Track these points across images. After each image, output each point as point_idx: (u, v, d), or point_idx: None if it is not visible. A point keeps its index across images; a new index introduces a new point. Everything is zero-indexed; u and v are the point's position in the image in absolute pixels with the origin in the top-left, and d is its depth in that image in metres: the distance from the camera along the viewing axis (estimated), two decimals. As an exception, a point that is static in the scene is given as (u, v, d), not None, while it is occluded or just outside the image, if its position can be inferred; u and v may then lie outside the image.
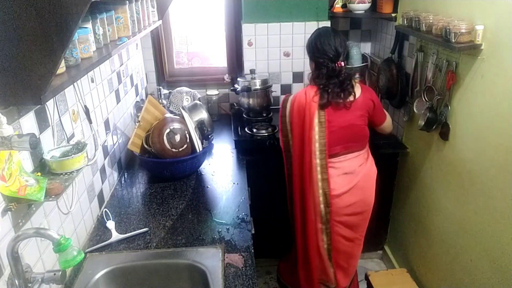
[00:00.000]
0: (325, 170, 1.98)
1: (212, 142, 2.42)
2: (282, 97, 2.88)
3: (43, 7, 0.88)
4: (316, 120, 1.93)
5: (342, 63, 1.94)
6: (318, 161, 1.97)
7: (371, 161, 2.12)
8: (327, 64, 1.93)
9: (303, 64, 2.87)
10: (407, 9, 2.21)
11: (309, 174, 1.99)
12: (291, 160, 2.09)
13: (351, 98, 1.95)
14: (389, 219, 2.77)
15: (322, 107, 1.93)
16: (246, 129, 2.56)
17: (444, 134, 1.99)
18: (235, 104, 2.94)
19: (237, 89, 2.61)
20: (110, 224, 1.68)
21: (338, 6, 2.70)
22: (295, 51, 2.82)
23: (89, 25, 1.38)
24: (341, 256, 2.16)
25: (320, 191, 1.99)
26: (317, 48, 1.97)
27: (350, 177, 2.03)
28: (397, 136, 2.61)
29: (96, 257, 1.52)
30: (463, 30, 1.67)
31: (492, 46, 1.62)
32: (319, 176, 1.98)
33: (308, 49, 2.05)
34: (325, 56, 1.94)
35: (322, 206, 2.01)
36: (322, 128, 1.94)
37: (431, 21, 1.90)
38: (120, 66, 2.21)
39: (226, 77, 2.91)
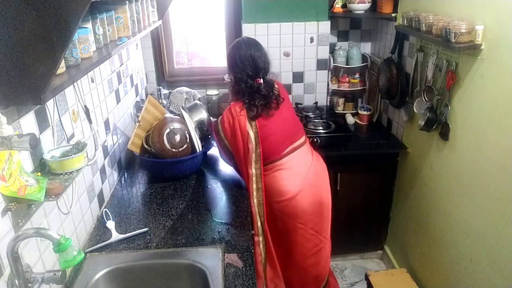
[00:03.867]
0: (260, 180, 1.93)
1: (212, 142, 2.42)
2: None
3: (43, 7, 0.87)
4: (250, 132, 1.90)
5: (261, 80, 1.92)
6: (253, 171, 1.92)
7: (317, 156, 2.11)
8: (246, 80, 1.91)
9: (303, 64, 2.87)
10: (407, 9, 2.21)
11: (247, 186, 1.96)
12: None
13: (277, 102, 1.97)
14: (389, 219, 2.78)
15: (252, 118, 1.91)
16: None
17: (444, 134, 1.99)
18: (235, 104, 2.93)
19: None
20: (110, 224, 1.68)
21: (338, 6, 2.71)
22: (295, 51, 2.82)
23: (89, 25, 1.38)
24: (308, 262, 2.12)
25: (255, 200, 1.93)
26: (236, 62, 1.93)
27: (302, 176, 1.99)
28: (397, 136, 2.61)
29: (96, 257, 1.52)
30: (463, 30, 1.68)
31: (492, 46, 1.62)
32: (254, 186, 1.93)
33: (228, 62, 2.01)
34: (243, 72, 1.91)
35: (258, 217, 1.95)
36: (257, 139, 1.91)
37: (431, 21, 1.90)
38: (120, 66, 2.21)
39: (226, 77, 2.90)
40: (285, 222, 2.01)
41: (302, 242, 2.06)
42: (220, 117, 2.02)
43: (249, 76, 1.92)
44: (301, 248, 2.07)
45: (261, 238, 1.96)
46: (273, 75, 2.16)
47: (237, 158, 1.99)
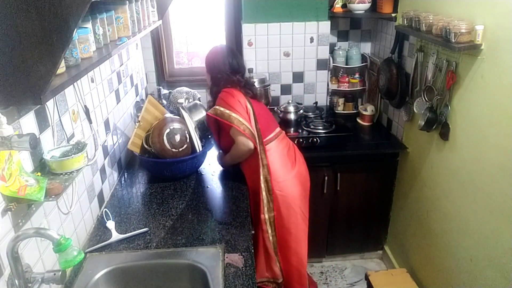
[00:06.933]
0: (265, 156, 1.98)
1: (212, 142, 2.41)
2: (282, 97, 2.89)
3: (43, 7, 0.88)
4: (249, 107, 2.00)
5: (240, 78, 2.08)
6: (259, 146, 1.97)
7: (293, 144, 2.24)
8: (225, 78, 2.04)
9: (303, 64, 2.87)
10: (407, 9, 2.21)
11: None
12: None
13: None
14: (389, 219, 2.78)
15: (251, 98, 2.07)
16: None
17: (444, 134, 1.99)
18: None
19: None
20: (110, 224, 1.68)
21: (338, 6, 2.71)
22: (295, 51, 2.82)
23: (89, 25, 1.38)
24: (303, 250, 2.17)
25: (262, 177, 1.98)
26: (216, 65, 2.07)
27: (291, 157, 2.11)
28: (397, 136, 2.61)
29: (96, 257, 1.52)
30: (463, 30, 1.68)
31: (492, 46, 1.62)
32: (260, 162, 1.97)
33: (210, 65, 2.11)
34: (223, 73, 2.04)
35: (264, 193, 1.99)
36: (255, 115, 2.00)
37: (431, 21, 1.90)
38: (120, 66, 2.21)
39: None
40: (287, 204, 2.05)
41: (297, 224, 2.10)
42: (218, 103, 1.99)
43: (228, 76, 2.05)
44: (297, 231, 2.11)
45: (267, 216, 2.00)
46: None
47: (249, 133, 1.94)
